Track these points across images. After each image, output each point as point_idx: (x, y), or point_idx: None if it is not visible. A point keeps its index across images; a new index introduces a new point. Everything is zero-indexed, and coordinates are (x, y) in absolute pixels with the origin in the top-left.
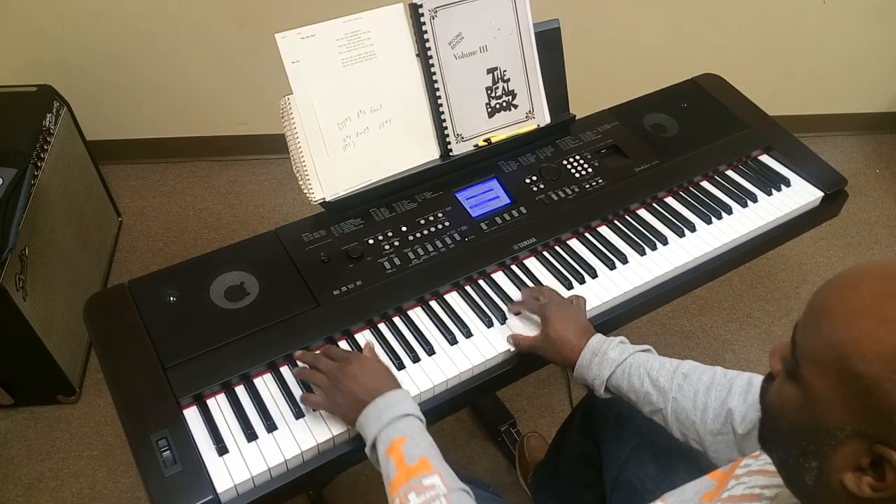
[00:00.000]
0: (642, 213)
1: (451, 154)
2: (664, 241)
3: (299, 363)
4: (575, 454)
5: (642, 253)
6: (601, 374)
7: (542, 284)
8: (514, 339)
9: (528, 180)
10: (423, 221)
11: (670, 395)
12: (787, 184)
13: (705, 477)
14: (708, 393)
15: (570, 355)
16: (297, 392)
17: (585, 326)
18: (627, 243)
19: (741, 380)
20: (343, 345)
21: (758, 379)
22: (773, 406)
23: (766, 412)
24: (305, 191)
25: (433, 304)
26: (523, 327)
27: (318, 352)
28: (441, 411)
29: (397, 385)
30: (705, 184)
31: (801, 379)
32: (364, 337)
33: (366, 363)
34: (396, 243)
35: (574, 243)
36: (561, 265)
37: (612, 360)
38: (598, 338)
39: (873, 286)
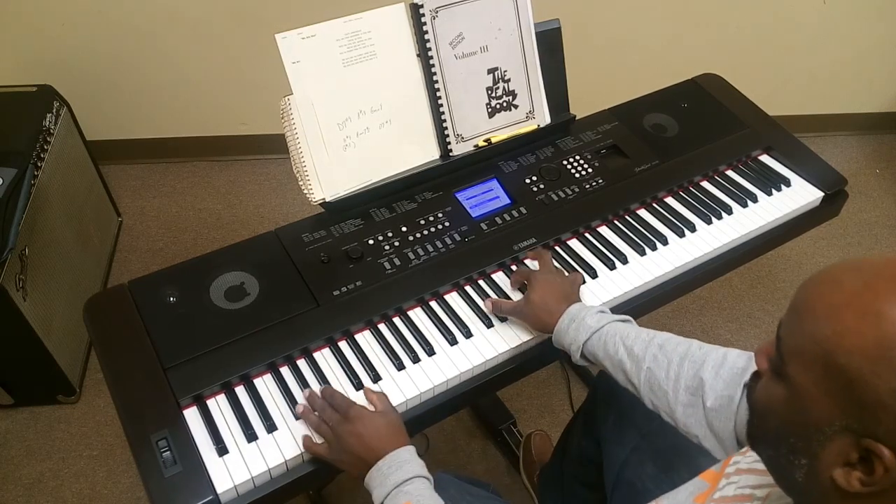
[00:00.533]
0: (642, 213)
1: (451, 154)
2: (664, 242)
3: (303, 406)
4: (577, 455)
5: (642, 253)
6: (577, 340)
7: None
8: (494, 304)
9: (528, 180)
10: (423, 222)
11: (644, 365)
12: (788, 184)
13: (698, 478)
14: (681, 364)
15: (548, 320)
16: (297, 392)
17: (568, 295)
18: (627, 243)
19: (717, 353)
20: (343, 345)
21: (733, 354)
22: (760, 404)
23: (754, 411)
24: (305, 191)
25: (433, 304)
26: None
27: (319, 394)
28: (441, 412)
29: (403, 440)
30: (705, 184)
31: (787, 376)
32: (364, 337)
33: (368, 420)
34: (396, 243)
35: (574, 243)
36: (560, 265)
37: (588, 326)
38: (578, 305)
39: (854, 281)
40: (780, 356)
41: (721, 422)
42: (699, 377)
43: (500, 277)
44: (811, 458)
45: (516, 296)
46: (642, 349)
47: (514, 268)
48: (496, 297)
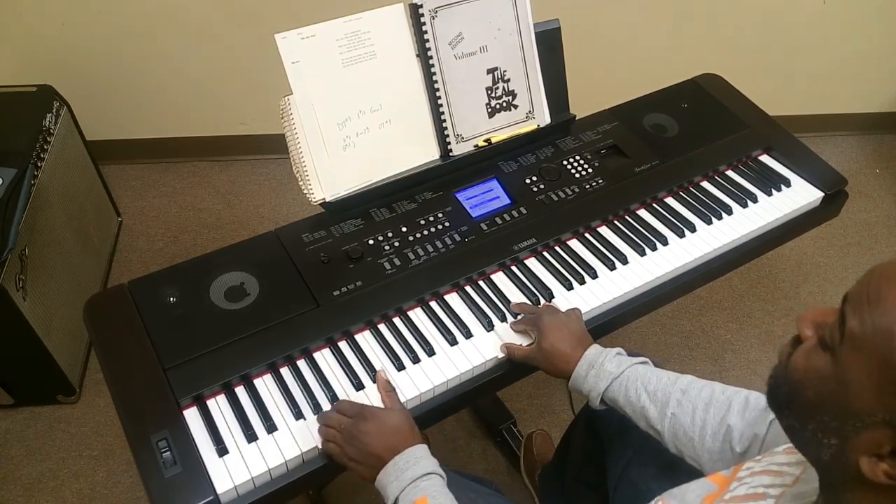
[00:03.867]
0: (642, 213)
1: (451, 154)
2: (664, 242)
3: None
4: (580, 455)
5: (642, 253)
6: (597, 387)
7: (542, 285)
8: (509, 349)
9: (528, 180)
10: (423, 222)
11: (668, 411)
12: (788, 184)
13: (706, 479)
14: (707, 410)
15: (564, 367)
16: (297, 393)
17: (581, 337)
18: (627, 244)
19: (739, 397)
20: (343, 346)
21: (754, 396)
22: (797, 370)
23: (790, 376)
24: (305, 191)
25: (433, 304)
26: (519, 335)
27: (328, 408)
28: (441, 412)
29: (416, 438)
30: (705, 184)
31: (840, 357)
32: (364, 337)
33: (382, 417)
34: (396, 244)
35: (574, 244)
36: (561, 266)
37: (608, 372)
38: (594, 349)
39: None
40: (842, 335)
41: None
42: (726, 424)
43: (499, 278)
44: (841, 441)
45: (516, 296)
46: (665, 395)
47: (514, 268)
48: (496, 298)
